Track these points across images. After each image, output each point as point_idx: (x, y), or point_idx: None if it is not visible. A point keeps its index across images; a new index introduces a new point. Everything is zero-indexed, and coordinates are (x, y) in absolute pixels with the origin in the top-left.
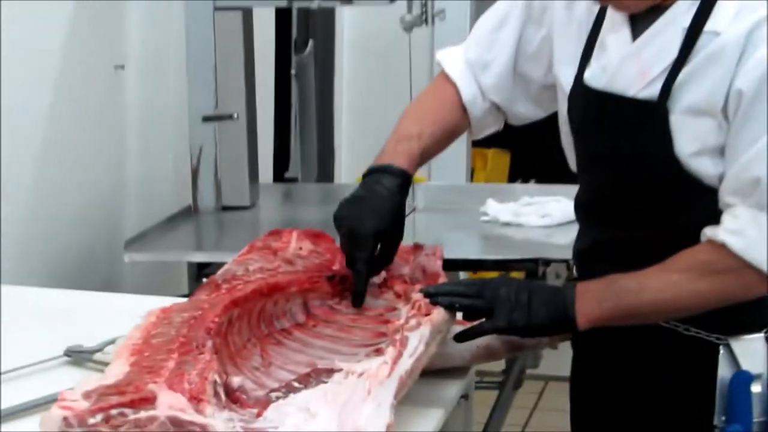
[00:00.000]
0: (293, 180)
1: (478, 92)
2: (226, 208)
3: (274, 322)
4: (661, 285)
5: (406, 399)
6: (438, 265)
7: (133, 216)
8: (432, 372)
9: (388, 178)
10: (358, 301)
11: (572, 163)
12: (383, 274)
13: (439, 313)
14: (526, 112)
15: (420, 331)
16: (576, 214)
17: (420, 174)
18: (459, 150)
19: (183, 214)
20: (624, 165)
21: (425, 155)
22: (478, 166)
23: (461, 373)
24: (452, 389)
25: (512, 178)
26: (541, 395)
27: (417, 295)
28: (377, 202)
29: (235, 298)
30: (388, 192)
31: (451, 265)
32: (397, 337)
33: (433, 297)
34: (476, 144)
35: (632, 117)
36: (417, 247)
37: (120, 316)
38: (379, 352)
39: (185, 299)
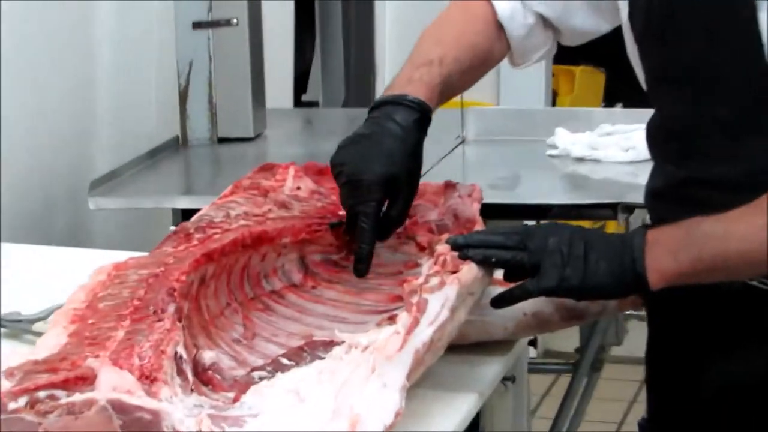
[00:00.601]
0: (312, 104)
1: (518, 4)
2: (223, 140)
3: (262, 282)
4: (753, 230)
5: (429, 381)
6: (474, 209)
7: (104, 151)
8: (465, 347)
9: (402, 112)
10: (360, 270)
11: (642, 82)
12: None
13: (469, 270)
14: (585, 24)
15: (444, 293)
16: (648, 146)
17: (488, 98)
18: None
19: (168, 148)
20: (701, 81)
21: (449, 86)
22: (562, 89)
23: (503, 347)
24: (491, 369)
25: (608, 104)
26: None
27: (442, 247)
28: (387, 141)
29: (210, 250)
30: (400, 129)
31: (497, 211)
32: (414, 300)
33: (463, 249)
34: (560, 60)
35: (711, 18)
36: (449, 186)
37: (79, 277)
38: (393, 320)
39: None
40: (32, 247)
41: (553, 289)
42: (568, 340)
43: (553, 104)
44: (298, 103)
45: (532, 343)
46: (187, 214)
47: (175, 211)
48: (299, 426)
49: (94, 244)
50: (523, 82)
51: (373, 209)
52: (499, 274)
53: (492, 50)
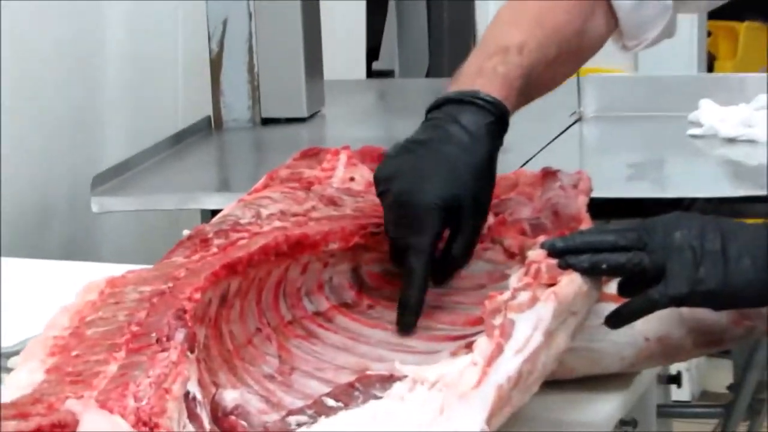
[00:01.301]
0: (386, 74)
1: None
2: (268, 121)
3: (303, 301)
4: None
5: (518, 428)
6: (580, 203)
7: (115, 140)
8: (568, 383)
9: (470, 114)
10: (406, 323)
11: None
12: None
13: (571, 282)
14: None
15: (536, 312)
16: None
17: (624, 65)
18: (684, 24)
19: (196, 132)
20: None
21: (531, 81)
22: (723, 51)
23: (620, 383)
24: (603, 411)
25: None
26: None
27: (536, 253)
28: (449, 152)
29: (233, 260)
30: (467, 137)
31: (619, 207)
32: (497, 321)
33: (563, 255)
34: (719, 14)
35: None
36: (548, 175)
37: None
38: (472, 348)
39: None
40: (20, 261)
41: (684, 297)
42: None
43: (710, 69)
44: (369, 73)
45: (675, 380)
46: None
47: (204, 213)
48: None
49: (100, 257)
50: (669, 44)
51: (426, 245)
52: (612, 288)
53: (587, 32)
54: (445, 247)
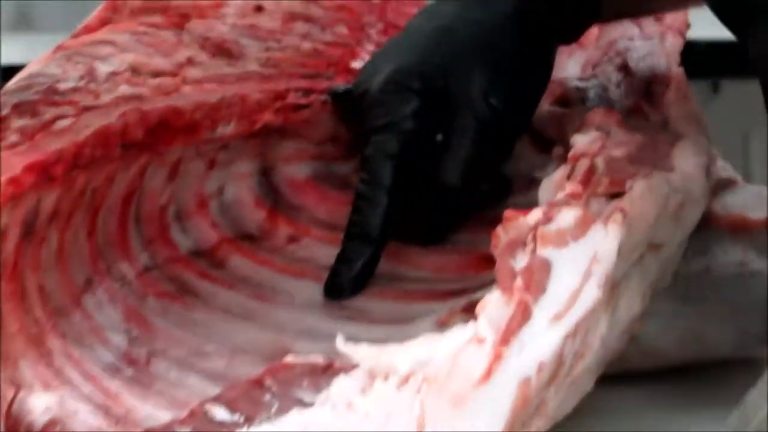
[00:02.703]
0: None
1: None
2: None
3: (171, 230)
4: None
5: None
6: (669, 49)
7: None
8: (659, 379)
9: None
10: (335, 288)
11: None
12: None
13: (651, 191)
14: None
15: (589, 246)
16: None
17: None
18: None
19: None
20: None
21: None
22: None
23: (744, 372)
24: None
25: None
26: None
27: (587, 138)
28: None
29: (44, 157)
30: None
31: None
32: (518, 263)
33: None
34: None
35: None
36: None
37: None
38: (472, 312)
39: None
40: None
41: None
42: None
43: None
44: None
45: None
46: (10, 74)
47: None
48: None
49: None
50: None
51: (395, 143)
52: (727, 202)
53: None
54: (435, 166)
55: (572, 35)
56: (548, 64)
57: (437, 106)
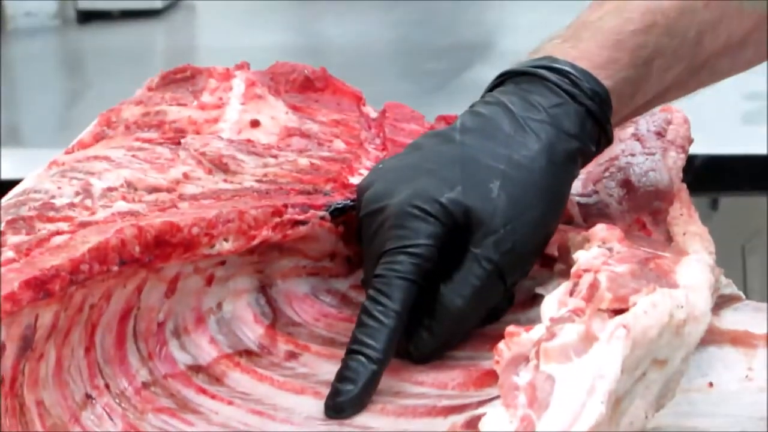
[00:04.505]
0: None
1: None
2: (89, 17)
3: (169, 345)
4: None
5: None
6: (670, 164)
7: None
8: None
9: (534, 93)
10: (344, 400)
11: None
12: None
13: (654, 307)
14: None
15: (592, 362)
16: None
17: None
18: None
19: None
20: None
21: (650, 70)
22: None
23: None
24: None
25: None
26: None
27: (590, 255)
28: (477, 147)
29: (41, 273)
30: (513, 125)
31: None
32: (521, 379)
33: None
34: None
35: None
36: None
37: None
38: (475, 426)
39: None
40: None
41: None
42: None
43: None
44: None
45: None
46: (4, 189)
47: None
48: None
49: None
50: None
51: (410, 265)
52: (728, 318)
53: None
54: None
55: (590, 160)
56: (568, 193)
57: (455, 233)
